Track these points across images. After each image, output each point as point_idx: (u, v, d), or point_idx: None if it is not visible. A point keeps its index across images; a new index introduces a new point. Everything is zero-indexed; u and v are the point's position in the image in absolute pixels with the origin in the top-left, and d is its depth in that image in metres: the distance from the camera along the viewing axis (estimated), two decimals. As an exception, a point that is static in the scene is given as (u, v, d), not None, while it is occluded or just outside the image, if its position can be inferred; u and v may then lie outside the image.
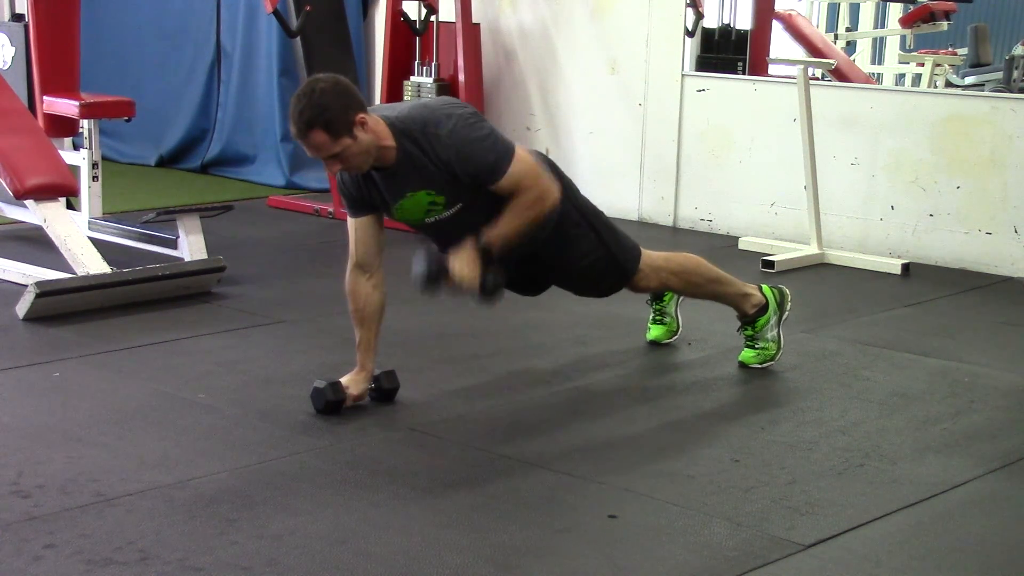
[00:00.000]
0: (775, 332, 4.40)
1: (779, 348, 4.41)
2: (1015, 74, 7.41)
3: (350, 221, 3.86)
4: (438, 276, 3.55)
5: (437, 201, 3.69)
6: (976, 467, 3.58)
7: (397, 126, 3.62)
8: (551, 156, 7.16)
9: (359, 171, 3.67)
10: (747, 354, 4.41)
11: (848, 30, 9.16)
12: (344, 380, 3.85)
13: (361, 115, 3.55)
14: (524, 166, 3.67)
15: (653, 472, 3.49)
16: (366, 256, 3.84)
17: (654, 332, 4.66)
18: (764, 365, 4.40)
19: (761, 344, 4.39)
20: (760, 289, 4.41)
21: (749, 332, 4.40)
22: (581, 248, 4.04)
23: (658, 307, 4.64)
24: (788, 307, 4.45)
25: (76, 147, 5.99)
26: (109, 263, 5.13)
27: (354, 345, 3.89)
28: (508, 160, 3.64)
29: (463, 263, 3.61)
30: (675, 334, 4.68)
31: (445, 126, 3.60)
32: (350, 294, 3.88)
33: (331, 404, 3.80)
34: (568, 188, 4.03)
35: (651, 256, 4.20)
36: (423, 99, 3.75)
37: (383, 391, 3.94)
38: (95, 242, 5.39)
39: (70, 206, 5.91)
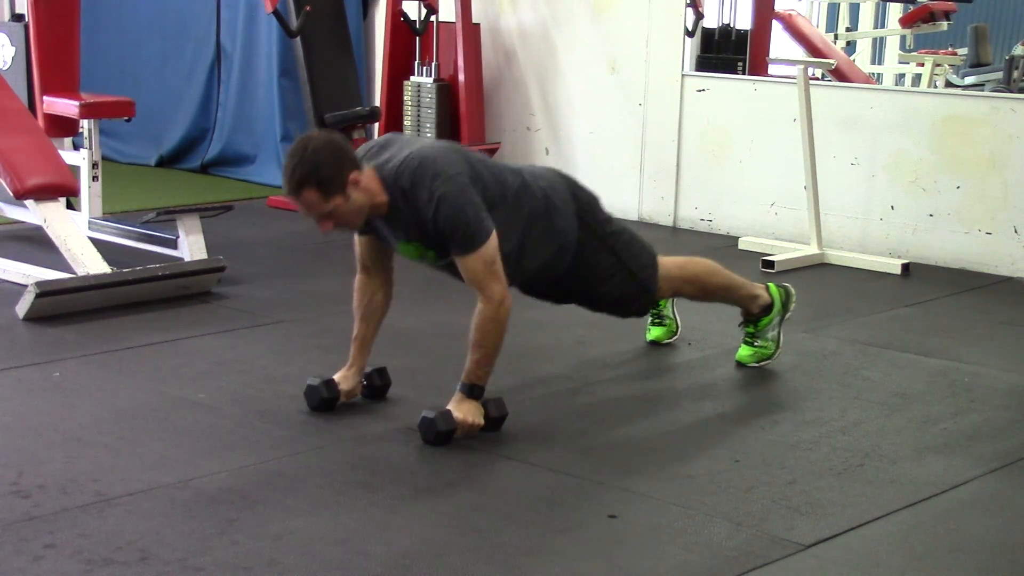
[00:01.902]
0: (776, 332, 4.40)
1: (777, 348, 4.41)
2: (1015, 74, 7.41)
3: (355, 236, 3.87)
4: (449, 435, 3.60)
5: (429, 251, 3.69)
6: (976, 467, 3.58)
7: (389, 181, 3.58)
8: (551, 156, 7.27)
9: (351, 229, 3.68)
10: (744, 352, 4.42)
11: (848, 30, 9.16)
12: (336, 377, 3.86)
13: (355, 174, 3.51)
14: (483, 262, 3.58)
15: (653, 472, 3.49)
16: (371, 261, 3.86)
17: (654, 333, 4.67)
18: (760, 364, 4.40)
19: (760, 343, 4.40)
20: (767, 289, 4.41)
21: (750, 330, 4.40)
22: (601, 274, 4.04)
23: (655, 310, 4.64)
24: (792, 307, 4.46)
25: (76, 147, 5.99)
26: (109, 263, 5.12)
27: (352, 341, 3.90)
28: (478, 244, 3.56)
29: (464, 413, 3.62)
30: (675, 335, 4.68)
31: (429, 190, 3.52)
32: (356, 290, 3.90)
33: (325, 401, 3.82)
34: (586, 207, 4.00)
35: (665, 266, 4.17)
36: (425, 149, 3.63)
37: (375, 388, 3.96)
38: (95, 242, 5.38)
39: (70, 206, 5.91)
